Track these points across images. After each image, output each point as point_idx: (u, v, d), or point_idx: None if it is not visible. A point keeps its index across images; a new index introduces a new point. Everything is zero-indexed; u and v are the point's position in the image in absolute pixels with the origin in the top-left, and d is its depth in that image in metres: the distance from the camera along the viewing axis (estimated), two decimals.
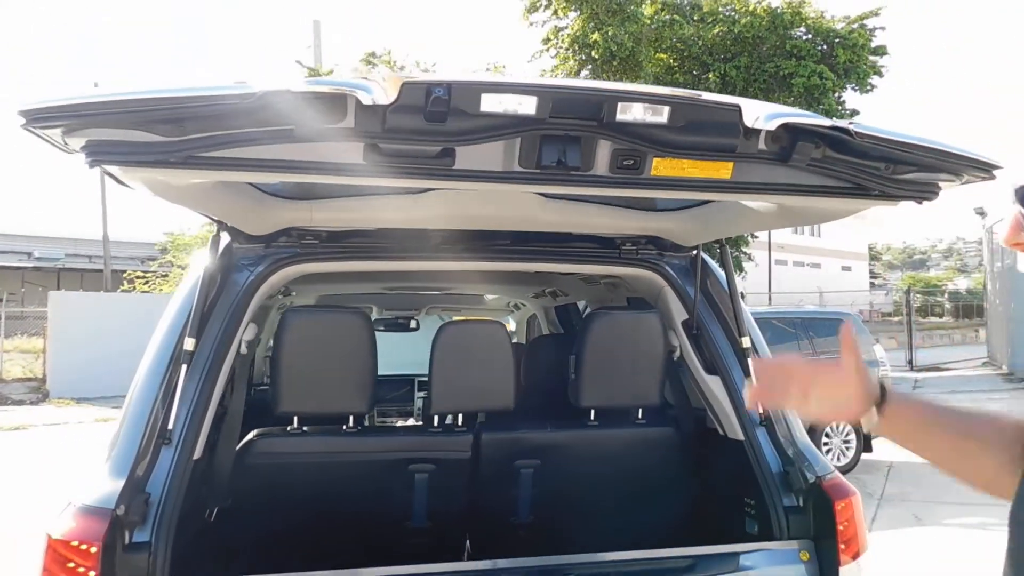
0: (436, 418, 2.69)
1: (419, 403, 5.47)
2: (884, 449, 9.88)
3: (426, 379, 5.04)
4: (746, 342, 2.58)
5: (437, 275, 3.66)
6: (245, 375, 2.62)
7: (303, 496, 2.54)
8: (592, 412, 2.76)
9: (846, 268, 54.37)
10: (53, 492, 7.21)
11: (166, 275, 26.69)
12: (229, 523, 2.44)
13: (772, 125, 1.71)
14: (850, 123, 1.76)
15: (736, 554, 2.25)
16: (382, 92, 1.54)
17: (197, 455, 2.17)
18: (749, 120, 1.71)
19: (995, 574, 4.69)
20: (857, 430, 9.31)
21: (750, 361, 1.88)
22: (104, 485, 1.97)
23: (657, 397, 2.78)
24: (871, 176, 1.89)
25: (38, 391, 20.06)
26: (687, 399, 2.89)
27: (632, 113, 1.70)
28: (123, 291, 25.54)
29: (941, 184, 1.97)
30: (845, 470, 9.05)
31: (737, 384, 2.55)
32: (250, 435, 2.52)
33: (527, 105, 1.64)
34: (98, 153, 1.62)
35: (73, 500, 1.96)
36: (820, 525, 2.27)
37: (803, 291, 31.71)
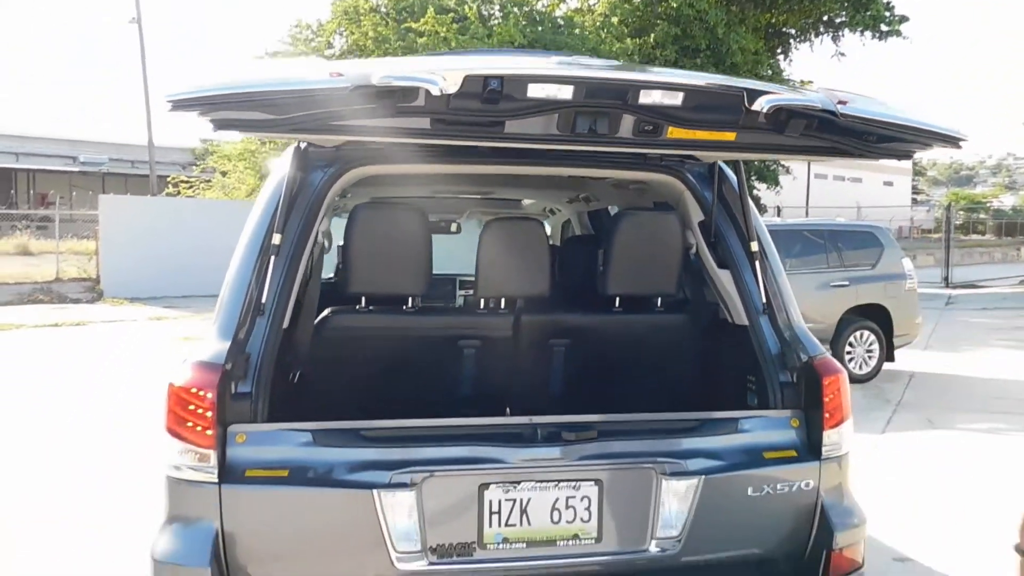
0: (482, 301, 3.09)
1: (460, 300, 5.89)
2: (906, 360, 10.19)
3: (467, 279, 5.44)
4: (754, 246, 2.90)
5: (481, 178, 3.99)
6: (321, 262, 3.03)
7: (368, 364, 2.97)
8: (617, 299, 3.13)
9: (888, 183, 53.39)
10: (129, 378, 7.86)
11: (208, 180, 27.24)
12: (308, 384, 2.89)
13: (769, 108, 2.06)
14: (838, 103, 2.10)
15: (737, 419, 2.62)
16: (448, 84, 1.90)
17: (284, 326, 2.59)
18: (750, 103, 2.07)
19: (997, 472, 5.25)
20: (880, 340, 9.57)
21: None
22: (214, 345, 2.38)
23: (674, 287, 3.14)
24: (854, 144, 2.29)
25: (92, 290, 20.91)
26: (702, 293, 3.24)
27: (652, 97, 2.08)
28: (168, 195, 26.19)
29: (914, 150, 2.38)
30: (867, 378, 9.37)
31: (745, 278, 2.90)
32: (325, 311, 2.94)
33: (565, 92, 2.03)
34: (224, 125, 2.14)
35: (188, 357, 2.39)
36: (809, 397, 2.63)
37: (842, 206, 31.50)
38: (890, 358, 9.69)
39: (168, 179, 27.18)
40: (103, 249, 21.26)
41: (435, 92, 1.91)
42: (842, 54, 24.29)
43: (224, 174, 26.11)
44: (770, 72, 24.06)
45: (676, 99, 2.09)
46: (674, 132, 2.27)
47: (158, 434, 2.35)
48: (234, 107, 1.98)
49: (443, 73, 1.91)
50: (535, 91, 2.01)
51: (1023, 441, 6.80)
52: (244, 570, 2.26)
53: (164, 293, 20.50)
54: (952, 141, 2.25)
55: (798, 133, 2.22)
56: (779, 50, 24.93)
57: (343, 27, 21.00)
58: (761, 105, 2.07)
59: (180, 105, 1.91)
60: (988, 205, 56.25)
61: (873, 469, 5.63)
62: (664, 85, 2.08)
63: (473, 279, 5.37)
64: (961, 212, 44.15)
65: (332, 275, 4.14)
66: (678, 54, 21.10)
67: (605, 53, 20.38)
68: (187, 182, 26.54)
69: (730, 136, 2.33)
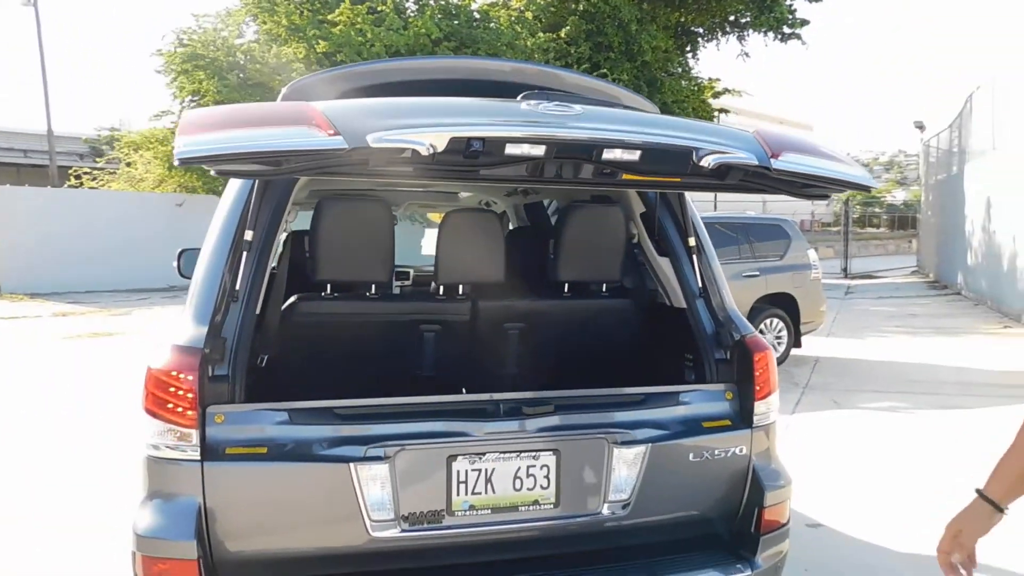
0: (442, 288, 3.25)
1: (396, 291, 6.02)
2: (812, 346, 10.78)
3: (402, 270, 5.56)
4: (692, 241, 3.15)
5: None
6: (288, 251, 3.13)
7: (333, 348, 3.08)
8: (566, 285, 3.34)
9: None
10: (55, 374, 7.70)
11: (114, 172, 26.34)
12: (276, 368, 2.99)
13: (713, 164, 2.30)
14: (771, 156, 2.34)
15: (677, 393, 2.85)
16: (434, 145, 2.06)
17: (256, 312, 2.69)
18: (696, 159, 2.30)
19: (897, 446, 5.70)
20: (788, 326, 10.10)
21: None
22: (192, 330, 2.46)
23: (619, 274, 3.37)
24: (782, 188, 2.58)
25: None
26: (643, 280, 3.48)
27: (614, 154, 2.30)
28: (71, 187, 25.21)
29: (831, 192, 2.68)
30: (776, 363, 9.84)
31: (683, 265, 3.14)
32: (292, 298, 3.04)
33: (538, 150, 2.23)
34: (226, 174, 2.37)
35: (165, 342, 2.46)
36: (741, 372, 2.89)
37: (748, 199, 32.65)
38: (797, 344, 10.21)
39: (70, 170, 26.13)
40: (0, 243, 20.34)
41: (424, 152, 2.06)
42: (746, 54, 25.23)
43: (129, 164, 25.30)
44: (680, 69, 24.79)
45: (634, 155, 2.31)
46: (628, 176, 2.54)
47: (127, 418, 2.42)
48: (238, 161, 2.08)
49: (431, 135, 2.06)
50: (512, 149, 2.21)
51: (919, 417, 7.34)
52: (223, 544, 2.36)
53: (67, 288, 19.80)
54: (863, 188, 2.55)
55: (736, 180, 2.49)
56: (688, 48, 25.69)
57: (255, 15, 20.61)
58: (708, 162, 2.30)
59: (189, 161, 2.00)
60: (882, 200, 59.19)
61: (785, 447, 6.00)
62: (626, 144, 2.29)
63: (408, 269, 5.51)
64: (858, 207, 46.39)
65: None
66: (591, 50, 21.53)
67: (520, 48, 20.63)
68: (90, 173, 25.59)
69: (676, 179, 2.62)
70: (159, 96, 38.48)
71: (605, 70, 20.43)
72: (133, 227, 21.54)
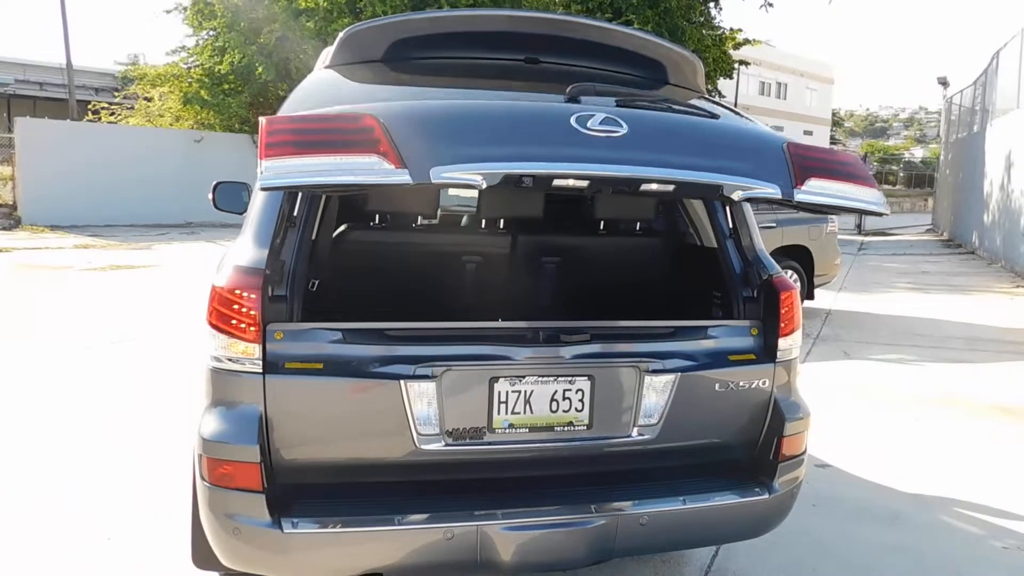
0: (483, 222, 3.41)
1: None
2: (824, 299, 10.92)
3: None
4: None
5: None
6: None
7: (379, 275, 3.26)
8: (601, 223, 3.50)
9: (808, 132, 54.93)
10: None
11: (132, 107, 26.37)
12: (326, 292, 3.17)
13: (739, 197, 2.41)
14: (796, 184, 2.40)
15: (706, 327, 3.00)
16: (487, 180, 2.19)
17: (312, 237, 2.85)
18: (725, 192, 2.40)
19: (901, 393, 5.92)
20: (801, 279, 10.21)
21: None
22: (254, 252, 2.61)
23: (652, 214, 3.52)
24: (800, 208, 2.65)
25: (9, 217, 20.19)
26: (674, 221, 3.63)
27: (652, 187, 2.42)
28: (89, 121, 25.27)
29: (846, 213, 2.78)
30: None
31: (715, 208, 3.29)
32: (342, 227, 3.20)
33: (582, 183, 2.36)
34: (305, 193, 2.64)
35: (226, 264, 2.63)
36: (767, 310, 3.04)
37: None
38: (810, 296, 10.28)
39: (89, 105, 26.14)
40: (20, 175, 20.47)
41: (483, 187, 2.21)
42: (770, 3, 24.83)
43: (148, 100, 25.34)
44: (702, 18, 24.45)
45: (669, 188, 2.44)
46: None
47: (184, 334, 2.60)
48: (315, 188, 2.26)
49: (486, 172, 2.19)
50: (558, 182, 2.33)
51: (926, 369, 7.54)
52: (280, 452, 2.55)
53: (86, 222, 20.01)
54: (876, 214, 2.64)
55: (760, 205, 2.61)
56: None
57: None
58: (736, 196, 2.41)
59: (272, 189, 2.17)
60: (901, 157, 58.65)
61: None
62: (662, 179, 2.38)
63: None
64: (875, 163, 45.99)
65: None
66: None
67: None
68: (108, 108, 25.62)
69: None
70: (174, 29, 38.17)
71: (628, 17, 20.21)
72: (152, 163, 21.67)
